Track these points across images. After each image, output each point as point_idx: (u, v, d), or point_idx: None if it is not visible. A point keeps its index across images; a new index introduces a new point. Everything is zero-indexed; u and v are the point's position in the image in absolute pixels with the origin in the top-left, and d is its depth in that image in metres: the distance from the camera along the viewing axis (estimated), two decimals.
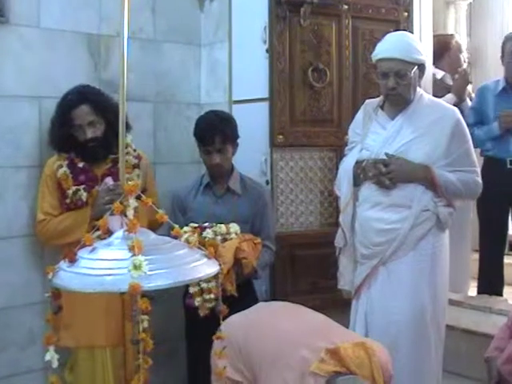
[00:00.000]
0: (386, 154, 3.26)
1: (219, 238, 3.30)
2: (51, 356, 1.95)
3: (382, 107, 3.41)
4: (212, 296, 3.18)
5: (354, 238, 3.40)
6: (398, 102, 3.31)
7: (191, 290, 3.22)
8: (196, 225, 3.31)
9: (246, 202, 3.58)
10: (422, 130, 3.28)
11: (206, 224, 3.37)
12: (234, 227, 3.39)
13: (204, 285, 3.17)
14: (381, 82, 3.29)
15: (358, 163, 3.36)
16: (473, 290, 4.97)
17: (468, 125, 4.56)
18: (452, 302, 4.16)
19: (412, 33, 4.25)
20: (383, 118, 3.38)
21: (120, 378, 3.47)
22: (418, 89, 3.37)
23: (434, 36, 4.94)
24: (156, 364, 2.10)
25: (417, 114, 3.31)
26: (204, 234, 3.27)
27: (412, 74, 3.22)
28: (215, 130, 3.50)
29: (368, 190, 3.31)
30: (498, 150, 4.47)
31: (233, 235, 3.36)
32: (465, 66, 5.11)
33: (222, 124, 3.54)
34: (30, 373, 3.65)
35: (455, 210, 3.37)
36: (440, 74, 5.14)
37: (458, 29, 6.30)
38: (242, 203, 3.58)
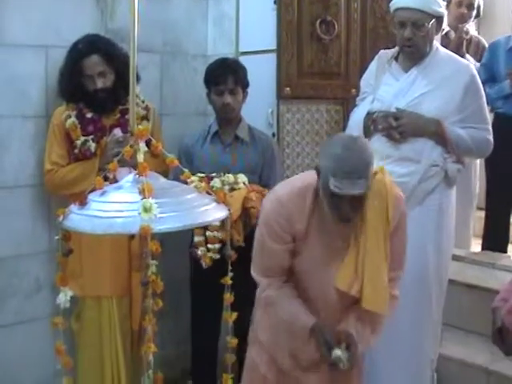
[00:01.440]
0: (397, 109, 3.24)
1: (227, 187, 3.32)
2: (64, 297, 1.98)
3: (396, 59, 3.39)
4: (216, 246, 3.20)
5: None
6: (414, 53, 3.28)
7: (196, 239, 3.24)
8: (203, 174, 3.32)
9: (254, 152, 3.59)
10: (435, 84, 3.25)
11: (214, 174, 3.39)
12: (242, 177, 3.41)
13: (209, 234, 3.19)
14: (397, 32, 3.25)
15: (368, 114, 3.33)
16: (477, 247, 5.01)
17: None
18: (455, 257, 4.17)
19: None
20: (397, 70, 3.36)
21: (126, 328, 3.54)
22: (435, 42, 3.35)
23: None
24: (160, 314, 2.12)
25: (431, 67, 3.29)
26: (211, 183, 3.28)
27: (429, 26, 3.19)
28: (228, 70, 3.55)
29: (378, 142, 3.27)
30: (509, 107, 4.45)
31: (240, 185, 3.38)
32: (467, 22, 5.03)
33: (234, 65, 3.62)
34: (36, 320, 3.69)
35: (464, 166, 3.37)
36: (446, 28, 5.12)
37: None
38: (250, 152, 3.59)
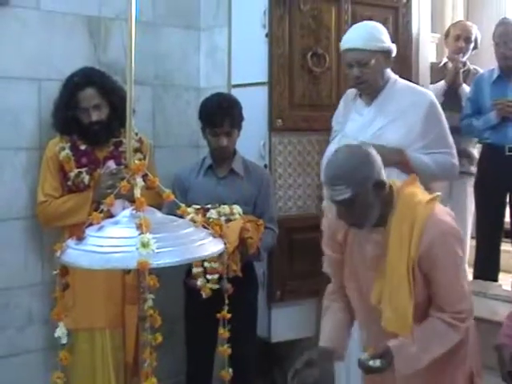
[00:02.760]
0: (361, 142, 3.18)
1: (223, 218, 3.33)
2: (61, 332, 1.98)
3: (360, 95, 3.48)
4: (215, 277, 3.22)
5: None
6: (367, 90, 3.38)
7: (194, 270, 3.24)
8: (198, 206, 3.32)
9: (249, 184, 3.60)
10: (395, 115, 3.33)
11: (209, 205, 3.41)
12: (237, 208, 3.43)
13: (207, 265, 3.21)
14: (348, 72, 3.37)
15: None
16: (469, 276, 5.03)
17: (466, 115, 4.68)
18: None
19: (411, 19, 4.30)
20: (360, 105, 3.45)
21: (119, 360, 3.53)
22: (392, 74, 3.42)
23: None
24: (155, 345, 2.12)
25: (390, 99, 3.38)
26: (208, 214, 3.29)
27: (374, 62, 3.27)
28: (225, 113, 3.51)
29: None
30: (495, 138, 4.50)
31: (236, 216, 3.39)
32: (462, 55, 5.13)
33: (230, 107, 3.56)
34: (28, 353, 3.70)
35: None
36: (444, 60, 5.23)
37: (455, 16, 6.34)
38: (244, 185, 3.60)
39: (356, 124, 3.42)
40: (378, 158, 2.50)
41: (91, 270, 1.92)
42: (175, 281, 3.52)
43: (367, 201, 2.45)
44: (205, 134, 3.63)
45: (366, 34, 3.30)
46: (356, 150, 2.52)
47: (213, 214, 3.34)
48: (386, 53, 3.33)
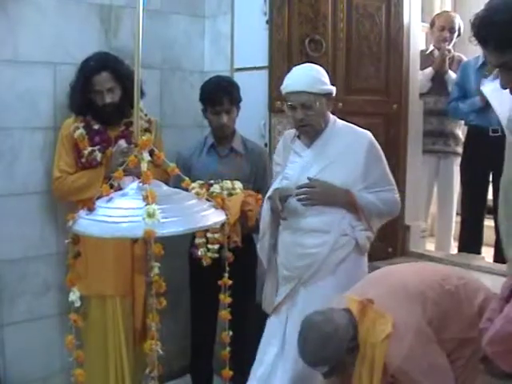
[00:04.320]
0: (309, 179, 3.11)
1: (225, 192, 3.34)
2: (75, 296, 1.97)
3: (298, 137, 3.27)
4: (215, 246, 3.22)
5: (277, 260, 3.26)
6: (309, 132, 3.16)
7: (197, 240, 3.26)
8: (202, 182, 3.33)
9: (248, 162, 3.60)
10: (336, 156, 3.14)
11: (212, 181, 3.41)
12: (238, 184, 3.44)
13: (210, 236, 3.21)
14: (291, 115, 3.14)
15: (275, 190, 3.18)
16: (454, 250, 5.05)
17: (453, 99, 4.66)
18: (434, 260, 4.20)
19: (402, 9, 4.25)
20: (300, 147, 3.23)
21: (129, 326, 3.54)
22: (331, 116, 3.23)
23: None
24: (161, 313, 2.11)
25: (330, 140, 3.17)
26: (211, 189, 3.31)
27: (318, 105, 3.08)
28: (224, 92, 3.52)
29: (289, 217, 3.14)
30: (480, 120, 4.46)
31: (237, 190, 3.41)
32: (448, 43, 5.11)
33: (229, 86, 3.58)
34: (45, 318, 3.70)
35: (374, 234, 3.26)
36: (430, 48, 5.21)
37: (443, 5, 6.29)
38: (244, 163, 3.60)
39: (296, 166, 3.19)
40: (339, 324, 2.49)
41: (101, 240, 1.92)
42: (181, 252, 3.52)
43: (346, 364, 2.50)
44: (206, 115, 3.63)
45: (311, 78, 3.10)
46: (319, 329, 2.49)
47: (216, 188, 3.35)
48: (329, 95, 3.13)
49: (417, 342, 2.43)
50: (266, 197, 3.21)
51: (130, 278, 3.51)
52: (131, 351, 3.55)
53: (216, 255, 3.19)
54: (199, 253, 3.24)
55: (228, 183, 3.40)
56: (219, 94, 3.52)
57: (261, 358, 3.23)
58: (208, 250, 3.23)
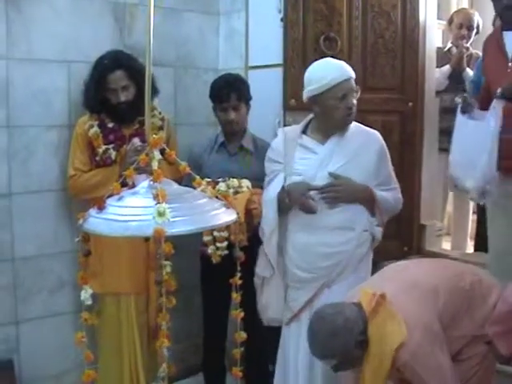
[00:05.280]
0: (330, 174, 3.07)
1: (231, 190, 3.33)
2: (86, 295, 1.97)
3: (304, 133, 3.22)
4: (224, 244, 3.21)
5: (288, 263, 3.16)
6: (352, 121, 3.12)
7: (205, 238, 3.25)
8: (209, 179, 3.31)
9: (258, 161, 3.54)
10: (351, 154, 3.11)
11: (220, 179, 3.41)
12: (246, 182, 3.43)
13: (216, 234, 3.20)
14: (338, 106, 3.03)
15: (283, 189, 3.12)
16: (470, 249, 5.01)
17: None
18: (450, 259, 4.15)
19: (418, 6, 4.21)
20: (312, 143, 3.15)
21: (143, 323, 3.54)
22: None
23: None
24: (174, 310, 2.11)
25: (346, 138, 3.13)
26: (217, 187, 3.29)
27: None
28: (231, 88, 3.54)
29: (306, 215, 3.08)
30: None
31: (244, 189, 3.39)
32: (466, 41, 5.06)
33: (236, 83, 3.59)
34: (59, 315, 3.72)
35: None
36: (448, 45, 5.16)
37: (460, 3, 6.23)
38: (254, 161, 3.58)
39: (311, 162, 3.11)
40: (349, 317, 2.49)
41: (112, 238, 1.91)
42: (193, 251, 3.51)
43: (355, 358, 2.50)
44: (215, 112, 3.65)
45: (347, 65, 3.10)
46: (329, 322, 2.50)
47: (222, 186, 3.34)
48: None
49: (425, 338, 2.42)
50: (272, 195, 3.12)
51: (144, 276, 3.52)
52: (145, 349, 3.55)
53: (225, 252, 3.18)
54: (209, 251, 3.24)
55: (235, 181, 3.40)
56: (226, 91, 3.53)
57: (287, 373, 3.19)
58: (217, 248, 3.22)
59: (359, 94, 3.10)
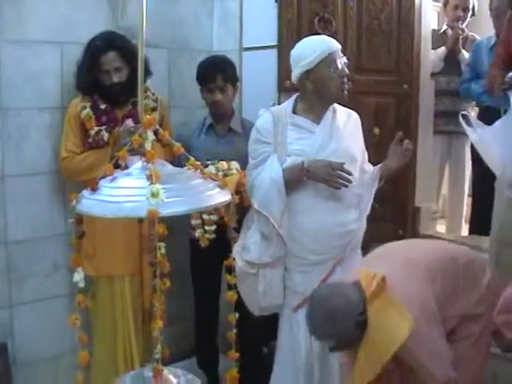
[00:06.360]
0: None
1: (221, 173, 3.33)
2: (79, 277, 1.95)
3: (295, 112, 3.14)
4: (212, 228, 3.20)
5: (293, 248, 3.06)
6: (347, 91, 3.08)
7: (193, 222, 3.24)
8: (198, 162, 3.28)
9: (246, 142, 3.50)
10: (348, 133, 3.13)
11: (208, 162, 3.41)
12: (235, 164, 3.44)
13: (206, 217, 3.19)
14: (332, 76, 3.00)
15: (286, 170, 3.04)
16: (465, 232, 5.01)
17: (465, 80, 4.61)
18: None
19: None
20: (307, 123, 3.10)
21: (137, 305, 3.54)
22: None
23: None
24: (168, 293, 2.10)
25: (337, 117, 3.13)
26: (206, 170, 3.26)
27: None
28: (217, 69, 3.57)
29: (315, 197, 3.04)
30: (492, 101, 4.40)
31: (233, 171, 3.41)
32: (461, 22, 5.05)
33: (222, 64, 3.62)
34: (54, 298, 3.69)
35: None
36: (444, 27, 5.15)
37: None
38: (242, 143, 3.53)
39: (311, 142, 3.06)
40: (348, 298, 2.47)
41: (109, 220, 1.89)
42: (182, 235, 3.50)
43: (354, 339, 2.48)
44: (202, 94, 3.66)
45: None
46: (328, 303, 2.47)
47: (211, 169, 3.34)
48: None
49: (422, 317, 2.41)
50: (275, 176, 3.01)
51: (138, 258, 3.51)
52: (140, 331, 3.55)
53: (213, 236, 3.15)
54: (196, 234, 3.22)
55: (224, 164, 3.41)
56: (211, 72, 3.56)
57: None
58: (205, 231, 3.20)
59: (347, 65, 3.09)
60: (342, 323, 2.43)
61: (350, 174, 2.95)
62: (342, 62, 3.03)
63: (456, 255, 2.75)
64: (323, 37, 3.14)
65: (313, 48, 3.03)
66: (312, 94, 3.09)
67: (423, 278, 2.54)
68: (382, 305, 2.45)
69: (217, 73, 3.55)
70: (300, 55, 3.05)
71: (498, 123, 3.29)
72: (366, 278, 2.52)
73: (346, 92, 3.08)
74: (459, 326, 2.60)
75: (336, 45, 3.05)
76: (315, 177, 2.97)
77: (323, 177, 2.95)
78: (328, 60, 3.00)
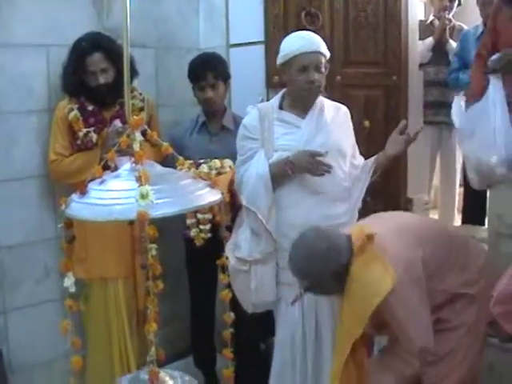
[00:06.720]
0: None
1: (214, 172, 3.30)
2: (69, 282, 1.93)
3: (281, 108, 3.12)
4: (207, 227, 3.18)
5: (284, 243, 2.97)
6: (314, 95, 3.06)
7: (188, 221, 3.22)
8: (191, 161, 3.26)
9: None
10: (331, 126, 3.08)
11: (201, 160, 3.39)
12: (228, 162, 3.41)
13: (200, 216, 3.17)
14: (298, 78, 2.98)
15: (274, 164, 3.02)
16: (458, 221, 5.01)
17: (453, 70, 4.60)
18: None
19: None
20: (292, 118, 3.08)
21: (131, 307, 3.52)
22: None
23: None
24: (162, 294, 2.08)
25: (322, 111, 3.10)
26: (199, 168, 3.26)
27: (325, 68, 3.02)
28: (207, 66, 3.55)
29: (301, 191, 3.02)
30: None
31: (227, 169, 3.38)
32: (448, 12, 5.04)
33: (214, 61, 3.60)
34: (46, 303, 3.65)
35: None
36: (430, 18, 5.14)
37: None
38: (235, 140, 3.52)
39: (297, 137, 3.04)
40: (334, 245, 2.49)
41: (95, 222, 1.87)
42: (178, 234, 3.48)
43: (329, 288, 2.54)
44: (194, 92, 3.65)
45: (320, 40, 3.02)
46: (311, 244, 2.51)
47: (204, 168, 3.32)
48: (327, 62, 3.07)
49: (406, 278, 2.41)
50: (262, 171, 3.00)
51: (130, 260, 3.49)
52: (135, 333, 3.53)
53: (209, 235, 3.14)
54: (191, 233, 3.20)
55: (217, 162, 3.38)
56: (202, 69, 3.55)
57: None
58: (200, 230, 3.19)
59: (326, 71, 3.03)
60: (318, 267, 2.45)
61: (328, 165, 2.92)
62: (314, 66, 2.97)
63: (453, 234, 2.79)
64: (305, 36, 3.05)
65: (288, 44, 3.04)
66: (288, 88, 3.10)
67: (413, 243, 2.53)
68: (367, 259, 2.45)
69: (207, 70, 3.54)
70: (281, 47, 3.06)
71: (478, 105, 3.27)
72: (357, 233, 2.53)
73: (311, 95, 3.04)
74: (450, 309, 2.58)
75: (313, 47, 2.98)
76: (299, 168, 2.95)
77: (305, 166, 2.93)
78: (297, 60, 2.97)
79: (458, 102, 3.43)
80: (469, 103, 3.37)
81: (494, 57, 3.19)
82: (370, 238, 2.47)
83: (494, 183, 3.32)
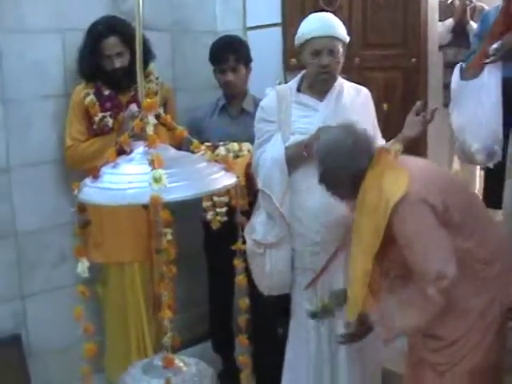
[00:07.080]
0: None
1: (231, 155, 3.28)
2: (82, 267, 1.91)
3: (299, 90, 3.08)
4: (223, 209, 3.14)
5: (298, 228, 3.01)
6: (329, 80, 2.99)
7: (204, 204, 3.18)
8: (209, 144, 3.24)
9: None
10: (351, 110, 3.01)
11: (220, 143, 3.36)
12: (247, 145, 3.38)
13: (216, 199, 3.14)
14: (311, 62, 2.93)
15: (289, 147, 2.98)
16: None
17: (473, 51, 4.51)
18: None
19: None
20: (310, 100, 3.02)
21: (148, 292, 3.51)
22: None
23: None
24: (179, 278, 2.06)
25: (341, 94, 3.03)
26: (217, 151, 3.23)
27: (341, 52, 2.94)
28: (229, 49, 3.52)
29: (316, 175, 2.81)
30: (504, 71, 4.32)
31: (245, 152, 3.35)
32: None
33: (235, 44, 3.57)
34: (62, 288, 3.64)
35: None
36: None
37: None
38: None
39: (314, 120, 2.97)
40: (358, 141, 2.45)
41: (109, 207, 1.84)
42: (196, 217, 3.45)
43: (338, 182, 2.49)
44: (216, 75, 3.61)
45: (336, 23, 2.94)
46: (337, 137, 2.48)
47: (221, 150, 3.30)
48: (345, 44, 3.00)
49: (422, 194, 2.29)
50: (277, 155, 2.97)
51: (147, 244, 3.47)
52: (152, 317, 3.52)
53: (225, 218, 3.10)
54: (208, 216, 3.17)
55: (234, 145, 3.35)
56: (223, 52, 3.51)
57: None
58: (217, 213, 3.15)
59: (342, 56, 2.96)
60: (340, 162, 2.43)
61: None
62: (328, 50, 2.91)
63: (476, 202, 2.62)
64: (322, 19, 2.98)
65: (303, 27, 2.98)
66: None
67: (438, 185, 2.41)
68: (385, 168, 2.39)
69: (229, 53, 3.51)
70: (299, 29, 3.00)
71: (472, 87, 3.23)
72: (382, 149, 2.52)
73: (324, 80, 2.98)
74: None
75: (328, 31, 2.91)
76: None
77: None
78: (310, 44, 2.91)
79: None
80: (466, 76, 3.33)
81: (495, 45, 3.14)
82: (394, 153, 2.46)
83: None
